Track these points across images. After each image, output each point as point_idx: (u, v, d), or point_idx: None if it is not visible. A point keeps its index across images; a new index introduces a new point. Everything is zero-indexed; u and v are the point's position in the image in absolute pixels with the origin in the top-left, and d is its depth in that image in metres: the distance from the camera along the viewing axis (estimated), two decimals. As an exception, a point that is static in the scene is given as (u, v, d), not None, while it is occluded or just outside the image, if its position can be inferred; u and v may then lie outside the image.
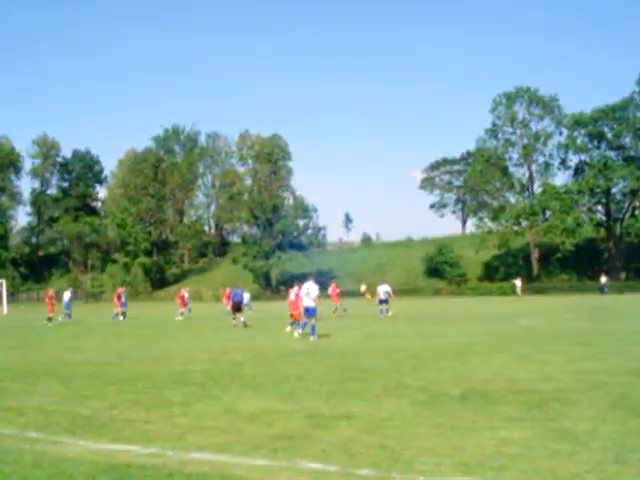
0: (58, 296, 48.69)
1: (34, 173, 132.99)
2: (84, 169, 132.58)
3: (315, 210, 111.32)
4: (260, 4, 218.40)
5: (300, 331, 26.36)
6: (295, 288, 29.32)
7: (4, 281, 71.74)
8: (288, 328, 28.19)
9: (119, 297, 46.42)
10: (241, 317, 34.60)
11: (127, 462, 7.56)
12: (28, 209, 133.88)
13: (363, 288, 56.36)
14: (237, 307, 35.15)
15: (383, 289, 42.70)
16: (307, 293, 26.30)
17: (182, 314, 44.66)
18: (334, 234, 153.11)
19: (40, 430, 9.45)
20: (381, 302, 42.35)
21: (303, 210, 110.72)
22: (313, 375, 14.56)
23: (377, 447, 7.97)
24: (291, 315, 28.47)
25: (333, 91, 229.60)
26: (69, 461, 7.68)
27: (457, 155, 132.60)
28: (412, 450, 7.80)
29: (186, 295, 47.05)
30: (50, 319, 41.15)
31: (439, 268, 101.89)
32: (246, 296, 48.51)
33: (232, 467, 7.25)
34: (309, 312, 26.09)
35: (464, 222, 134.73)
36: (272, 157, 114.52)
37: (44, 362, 18.66)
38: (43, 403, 11.78)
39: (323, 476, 6.88)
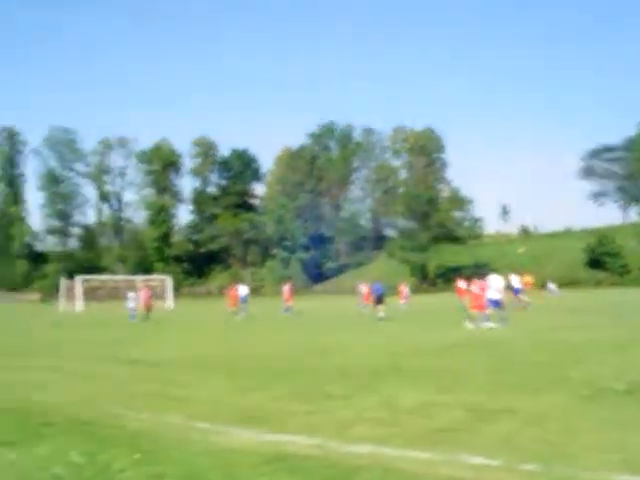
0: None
1: (194, 173, 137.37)
2: (242, 167, 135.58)
3: (471, 201, 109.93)
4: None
5: (488, 324, 26.39)
6: (478, 281, 29.11)
7: (169, 277, 74.49)
8: (468, 323, 27.55)
9: (290, 292, 46.67)
10: (380, 310, 34.94)
11: (291, 453, 7.72)
12: (189, 207, 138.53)
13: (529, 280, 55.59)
14: (379, 300, 35.67)
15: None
16: (493, 285, 27.06)
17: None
18: (491, 226, 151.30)
19: (207, 420, 9.77)
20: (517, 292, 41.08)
21: (459, 202, 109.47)
22: (473, 368, 14.40)
23: (540, 441, 7.83)
24: (474, 307, 27.87)
25: (487, 79, 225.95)
26: (235, 451, 7.92)
27: (617, 142, 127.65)
28: (576, 445, 7.61)
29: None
30: (234, 313, 42.00)
31: (600, 259, 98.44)
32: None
33: (393, 460, 7.28)
34: (496, 304, 26.92)
35: (625, 211, 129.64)
36: (426, 150, 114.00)
37: (209, 355, 19.26)
38: (209, 394, 12.17)
39: (486, 470, 6.81)
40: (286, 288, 47.37)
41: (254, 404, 11.06)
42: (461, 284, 46.46)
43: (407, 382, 12.75)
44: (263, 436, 8.64)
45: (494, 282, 27.44)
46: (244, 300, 44.83)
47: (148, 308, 42.40)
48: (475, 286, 28.78)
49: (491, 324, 26.39)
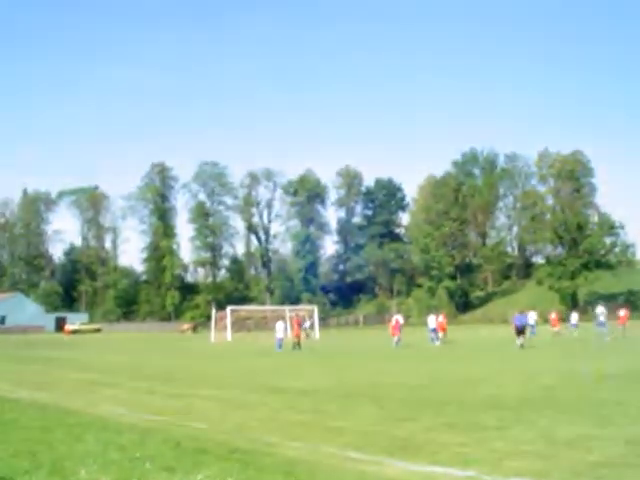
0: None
1: (339, 203, 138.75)
2: (386, 197, 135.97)
3: (622, 227, 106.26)
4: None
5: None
6: None
7: (315, 307, 75.28)
8: None
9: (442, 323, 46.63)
10: (521, 340, 36.24)
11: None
12: (335, 238, 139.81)
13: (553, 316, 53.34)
14: (521, 330, 37.03)
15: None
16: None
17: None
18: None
19: (360, 450, 9.79)
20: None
21: (609, 227, 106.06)
22: (631, 399, 13.88)
23: None
24: None
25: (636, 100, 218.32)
26: (389, 481, 7.90)
27: None
28: None
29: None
30: (397, 342, 42.65)
31: None
32: (532, 316, 48.83)
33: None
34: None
35: None
36: (574, 174, 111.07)
37: (358, 384, 19.32)
38: (361, 424, 12.19)
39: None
40: (439, 318, 47.27)
41: (406, 434, 11.01)
42: None
43: (563, 414, 12.42)
44: (416, 467, 8.60)
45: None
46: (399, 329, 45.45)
47: (298, 337, 43.03)
48: None
49: None
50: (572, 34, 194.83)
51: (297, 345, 41.66)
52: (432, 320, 46.94)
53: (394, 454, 9.44)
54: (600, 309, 46.49)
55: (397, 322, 44.98)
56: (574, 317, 52.90)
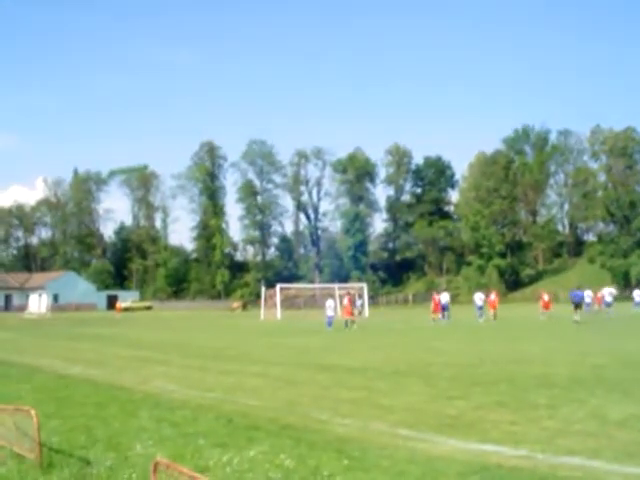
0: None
1: (388, 181, 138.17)
2: (436, 174, 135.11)
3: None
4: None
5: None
6: None
7: (365, 285, 75.22)
8: None
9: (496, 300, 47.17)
10: (577, 315, 38.57)
11: (497, 463, 7.66)
12: (384, 216, 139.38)
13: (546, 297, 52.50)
14: (577, 305, 39.78)
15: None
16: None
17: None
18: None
19: (410, 428, 9.85)
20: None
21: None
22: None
23: None
24: None
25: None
26: (440, 459, 7.94)
27: None
28: None
29: (545, 298, 46.68)
30: (435, 320, 43.43)
31: None
32: (613, 292, 48.98)
33: (605, 474, 7.09)
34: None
35: None
36: (627, 151, 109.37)
37: (408, 362, 19.34)
38: (411, 402, 12.24)
39: None
40: (491, 296, 47.67)
41: (456, 412, 11.03)
42: None
43: (615, 393, 12.33)
44: (467, 445, 8.62)
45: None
46: (446, 307, 45.90)
47: (352, 315, 43.23)
48: None
49: None
50: (622, 9, 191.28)
51: (352, 323, 41.76)
52: (479, 297, 47.25)
53: (444, 432, 9.48)
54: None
55: (436, 301, 45.45)
56: (609, 293, 51.92)
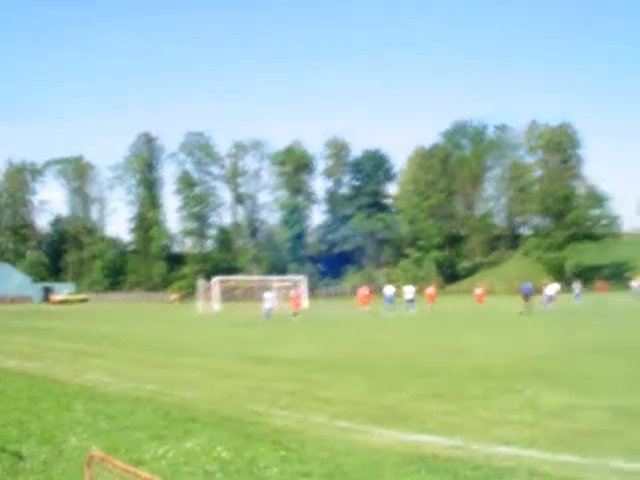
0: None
1: (327, 174, 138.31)
2: (374, 168, 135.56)
3: (608, 199, 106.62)
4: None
5: None
6: None
7: (304, 277, 75.23)
8: None
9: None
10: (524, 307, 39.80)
11: (433, 453, 7.71)
12: (323, 208, 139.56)
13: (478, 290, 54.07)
14: (526, 297, 41.10)
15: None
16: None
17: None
18: (630, 223, 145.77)
19: (348, 419, 9.86)
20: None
21: (596, 199, 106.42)
22: (615, 371, 14.00)
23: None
24: None
25: (625, 74, 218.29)
26: (378, 450, 7.96)
27: None
28: None
29: (477, 291, 47.82)
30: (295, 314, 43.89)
31: None
32: (555, 287, 50.10)
33: (539, 463, 7.17)
34: None
35: None
36: (562, 146, 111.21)
37: (347, 354, 19.39)
38: (349, 394, 12.26)
39: (630, 475, 6.60)
40: (428, 289, 48.72)
41: (394, 403, 11.08)
42: None
43: (549, 384, 12.51)
44: (404, 436, 8.66)
45: None
46: (390, 300, 47.17)
47: (297, 307, 43.73)
48: None
49: None
50: (562, 4, 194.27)
51: (295, 314, 42.09)
52: (409, 290, 47.97)
53: (382, 423, 9.51)
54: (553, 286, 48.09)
55: (363, 293, 46.21)
56: (552, 288, 53.17)
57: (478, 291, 48.46)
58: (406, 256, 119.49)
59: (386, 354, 19.11)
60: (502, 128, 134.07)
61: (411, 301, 47.32)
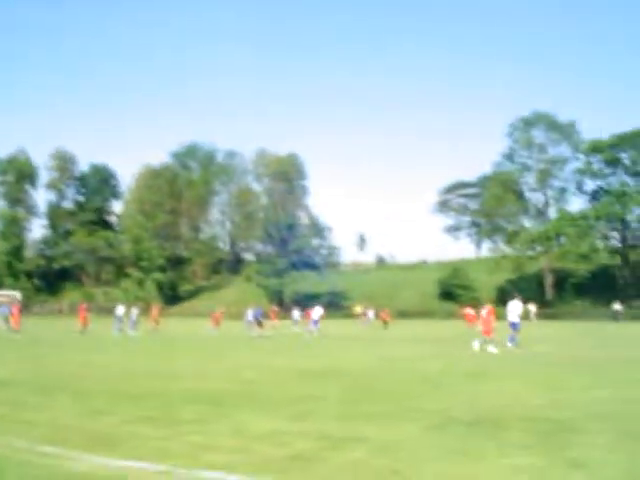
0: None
1: (50, 186, 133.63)
2: (100, 183, 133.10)
3: (330, 230, 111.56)
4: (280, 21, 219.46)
5: (510, 344, 30.05)
6: (486, 307, 30.85)
7: (17, 293, 72.03)
8: (477, 344, 29.20)
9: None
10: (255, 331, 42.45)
11: (139, 479, 7.61)
12: (44, 222, 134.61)
13: (358, 310, 57.51)
14: (259, 322, 44.41)
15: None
16: (511, 310, 31.11)
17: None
18: (348, 254, 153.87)
19: (54, 444, 9.49)
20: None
21: (318, 229, 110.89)
22: (326, 396, 14.53)
23: (388, 471, 7.97)
24: (484, 333, 29.55)
25: (349, 112, 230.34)
26: (82, 476, 7.74)
27: (473, 178, 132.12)
28: (423, 475, 7.81)
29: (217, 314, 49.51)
30: (82, 331, 42.74)
31: (453, 291, 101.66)
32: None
33: (244, 487, 7.29)
34: (515, 327, 30.74)
35: (478, 245, 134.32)
36: (288, 176, 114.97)
37: (59, 376, 18.71)
38: (57, 417, 11.82)
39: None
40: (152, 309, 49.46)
41: (104, 428, 10.83)
42: (468, 310, 53.95)
43: (260, 409, 12.76)
44: (111, 461, 8.47)
45: (516, 308, 31.43)
46: (120, 319, 47.87)
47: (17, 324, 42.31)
48: (483, 311, 30.68)
49: (494, 349, 28.04)
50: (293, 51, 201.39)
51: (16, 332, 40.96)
52: (120, 309, 48.37)
53: (90, 448, 9.24)
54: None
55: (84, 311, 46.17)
56: (296, 314, 56.65)
57: (217, 313, 50.28)
58: (128, 276, 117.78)
59: (99, 376, 18.66)
60: (231, 154, 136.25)
61: (134, 322, 47.36)
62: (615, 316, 78.27)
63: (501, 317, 33.43)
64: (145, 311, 50.84)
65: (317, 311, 49.38)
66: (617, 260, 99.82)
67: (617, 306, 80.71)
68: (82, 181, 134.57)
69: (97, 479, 7.59)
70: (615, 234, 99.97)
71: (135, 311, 48.21)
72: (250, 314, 49.23)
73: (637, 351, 30.02)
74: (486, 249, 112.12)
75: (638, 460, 8.54)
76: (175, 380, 17.72)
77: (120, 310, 48.03)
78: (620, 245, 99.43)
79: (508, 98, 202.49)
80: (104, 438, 10.00)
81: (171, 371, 20.26)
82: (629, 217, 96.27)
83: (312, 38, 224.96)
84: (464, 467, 8.21)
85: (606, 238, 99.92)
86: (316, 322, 48.45)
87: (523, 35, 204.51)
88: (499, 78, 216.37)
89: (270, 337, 40.26)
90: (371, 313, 69.64)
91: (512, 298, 32.50)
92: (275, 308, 57.00)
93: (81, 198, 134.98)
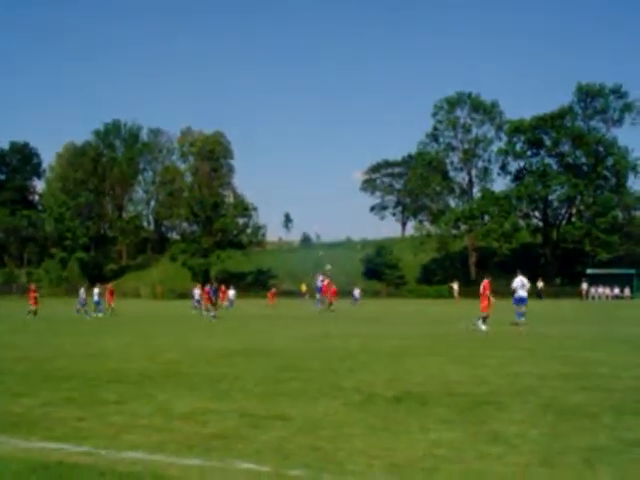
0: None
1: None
2: (22, 162, 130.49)
3: (255, 209, 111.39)
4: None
5: (521, 319, 30.24)
6: (485, 281, 30.68)
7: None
8: (482, 325, 28.84)
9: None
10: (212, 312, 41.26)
11: (58, 460, 7.49)
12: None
13: (304, 288, 58.05)
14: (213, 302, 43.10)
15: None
16: (522, 285, 30.68)
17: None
18: (274, 233, 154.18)
19: (-30, 427, 9.32)
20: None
21: (243, 209, 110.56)
22: (249, 375, 14.52)
23: (310, 448, 8.01)
24: (483, 309, 29.46)
25: (275, 90, 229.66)
26: (-1, 459, 7.60)
27: (398, 158, 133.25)
28: (345, 451, 7.85)
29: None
30: (32, 312, 42.05)
31: (378, 270, 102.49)
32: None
33: (165, 467, 7.23)
34: (523, 301, 30.61)
35: (404, 225, 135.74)
36: (214, 155, 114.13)
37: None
38: (-27, 399, 11.61)
39: (255, 476, 6.90)
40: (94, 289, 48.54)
41: (22, 410, 10.64)
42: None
43: (183, 388, 12.69)
44: (30, 444, 8.34)
45: (525, 282, 31.06)
46: (83, 302, 46.75)
47: None
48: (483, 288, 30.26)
49: (483, 326, 28.40)
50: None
51: None
52: (96, 292, 47.46)
53: (7, 431, 9.08)
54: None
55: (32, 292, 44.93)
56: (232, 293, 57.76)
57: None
58: (51, 256, 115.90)
59: (19, 356, 18.35)
60: (156, 132, 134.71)
61: (98, 303, 46.95)
62: (538, 294, 79.87)
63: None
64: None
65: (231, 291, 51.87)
66: (539, 239, 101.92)
67: (540, 284, 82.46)
68: (2, 159, 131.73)
69: (14, 462, 7.44)
70: (537, 213, 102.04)
71: (96, 291, 47.62)
72: (197, 293, 49.64)
73: (556, 328, 30.62)
74: (411, 228, 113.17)
75: (557, 434, 8.74)
76: (97, 360, 17.52)
77: (82, 292, 46.95)
78: (542, 224, 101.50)
79: (435, 78, 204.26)
80: (22, 420, 9.83)
81: (94, 351, 20.05)
82: (550, 197, 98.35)
83: (235, 9, 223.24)
84: (385, 442, 8.28)
85: (528, 217, 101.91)
86: (231, 302, 49.52)
87: (450, 15, 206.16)
88: (427, 59, 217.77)
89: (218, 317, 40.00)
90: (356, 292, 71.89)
91: (515, 274, 31.73)
92: (223, 288, 56.83)
93: (2, 177, 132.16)
